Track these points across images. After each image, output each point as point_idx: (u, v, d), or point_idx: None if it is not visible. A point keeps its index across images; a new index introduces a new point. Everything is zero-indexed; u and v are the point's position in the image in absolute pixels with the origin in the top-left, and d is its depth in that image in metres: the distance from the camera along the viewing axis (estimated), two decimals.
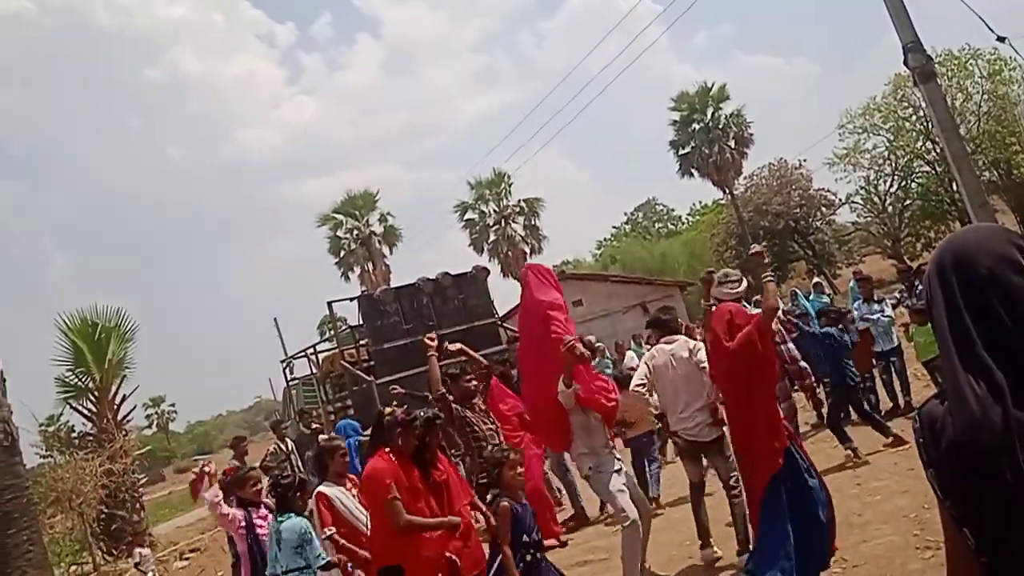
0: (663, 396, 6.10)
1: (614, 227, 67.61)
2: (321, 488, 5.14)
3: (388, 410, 5.04)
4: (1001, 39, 11.33)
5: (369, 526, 4.85)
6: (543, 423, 6.35)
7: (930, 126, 26.58)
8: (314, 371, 15.98)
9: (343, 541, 4.93)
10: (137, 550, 10.78)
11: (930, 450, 1.51)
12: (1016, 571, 1.43)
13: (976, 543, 1.46)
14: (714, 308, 5.51)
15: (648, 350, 7.88)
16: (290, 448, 11.19)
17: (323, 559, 4.80)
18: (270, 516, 5.34)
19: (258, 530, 5.55)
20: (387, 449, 4.70)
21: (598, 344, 17.90)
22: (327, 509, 5.01)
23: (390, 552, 4.57)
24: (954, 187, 28.32)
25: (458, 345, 7.34)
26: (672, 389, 5.91)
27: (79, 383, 17.14)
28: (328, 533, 4.93)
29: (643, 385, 6.02)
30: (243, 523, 5.63)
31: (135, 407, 20.08)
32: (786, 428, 5.25)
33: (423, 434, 4.73)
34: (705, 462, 6.13)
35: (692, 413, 5.80)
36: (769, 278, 5.41)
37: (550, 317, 6.05)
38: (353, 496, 5.15)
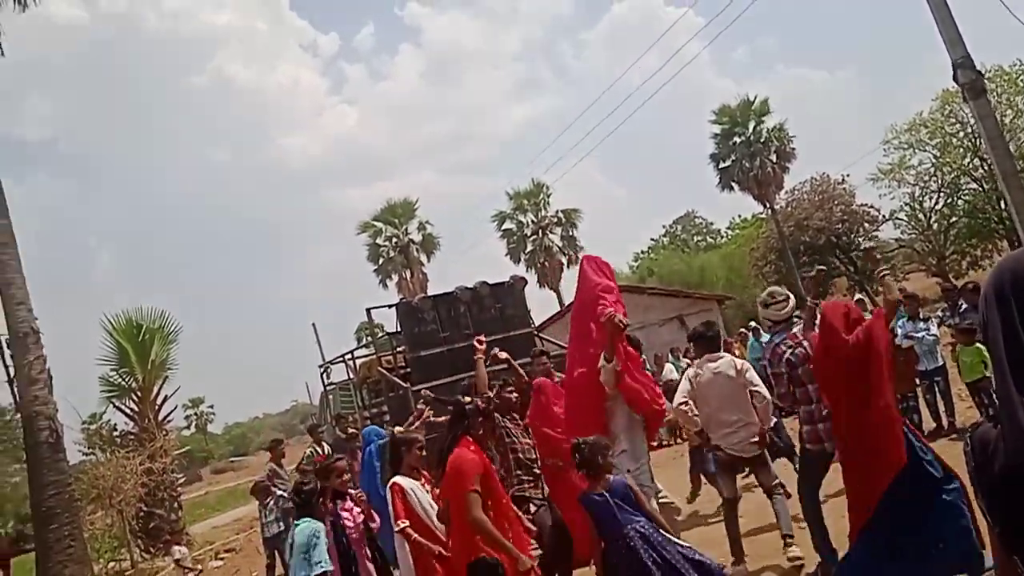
0: (706, 411, 6.06)
1: (652, 239, 67.29)
2: (397, 479, 5.01)
3: (468, 399, 5.03)
4: None
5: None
6: (583, 417, 6.09)
7: (978, 142, 26.11)
8: (351, 376, 16.10)
9: (415, 535, 4.87)
10: (175, 548, 10.96)
11: (982, 475, 1.49)
12: None
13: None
14: (822, 304, 5.25)
15: (687, 364, 7.81)
16: (327, 452, 11.29)
17: (322, 567, 4.82)
18: (355, 509, 5.43)
19: (344, 522, 5.52)
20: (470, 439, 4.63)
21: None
22: (401, 501, 4.90)
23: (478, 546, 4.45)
24: (1002, 205, 27.75)
25: (505, 355, 7.34)
26: (717, 405, 5.94)
27: (123, 383, 17.54)
28: (401, 526, 4.87)
29: (686, 403, 6.00)
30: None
31: (175, 408, 20.50)
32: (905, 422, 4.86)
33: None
34: (740, 482, 6.13)
35: (736, 429, 5.85)
36: (885, 271, 5.40)
37: (599, 297, 6.04)
38: (427, 491, 5.08)
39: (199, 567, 11.56)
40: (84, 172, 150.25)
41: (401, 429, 5.18)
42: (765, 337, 9.66)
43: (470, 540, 4.41)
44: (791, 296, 5.86)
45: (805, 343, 5.45)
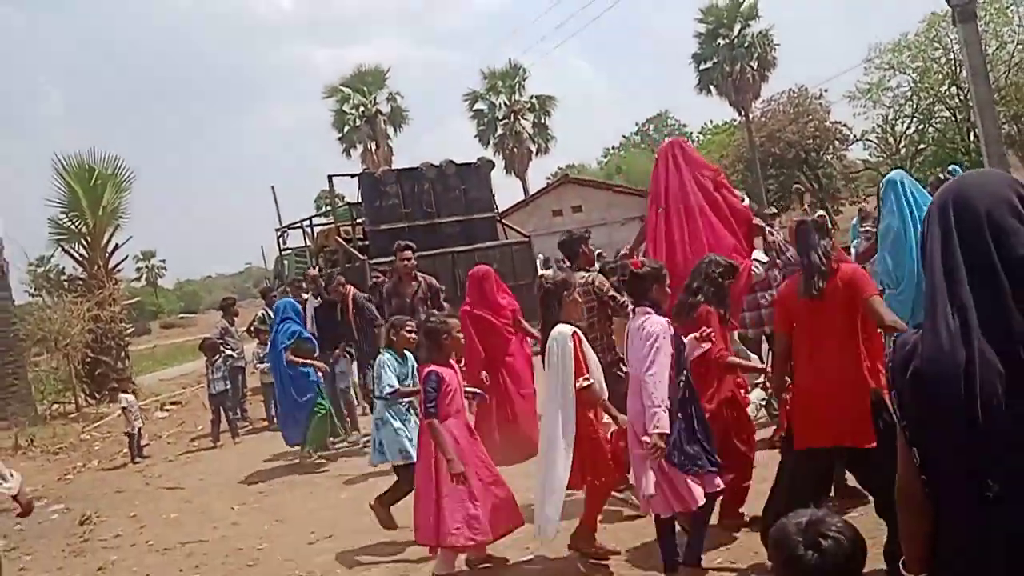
0: None
1: (623, 136, 66.86)
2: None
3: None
4: None
5: None
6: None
7: (959, 70, 26.00)
8: (308, 243, 15.96)
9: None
10: (123, 396, 10.98)
11: (896, 373, 1.65)
12: (948, 489, 1.58)
13: (920, 462, 1.62)
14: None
15: None
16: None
17: (389, 388, 5.42)
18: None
19: None
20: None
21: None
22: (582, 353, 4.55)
23: None
24: (971, 136, 27.94)
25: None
26: None
27: (72, 227, 17.10)
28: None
29: None
30: None
31: (126, 257, 20.13)
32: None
33: None
34: None
35: None
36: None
37: (721, 184, 5.81)
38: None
39: (143, 416, 11.66)
40: (32, 4, 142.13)
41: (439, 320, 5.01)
42: None
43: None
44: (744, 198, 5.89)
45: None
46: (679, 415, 4.11)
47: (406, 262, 8.01)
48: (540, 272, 5.59)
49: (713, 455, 4.19)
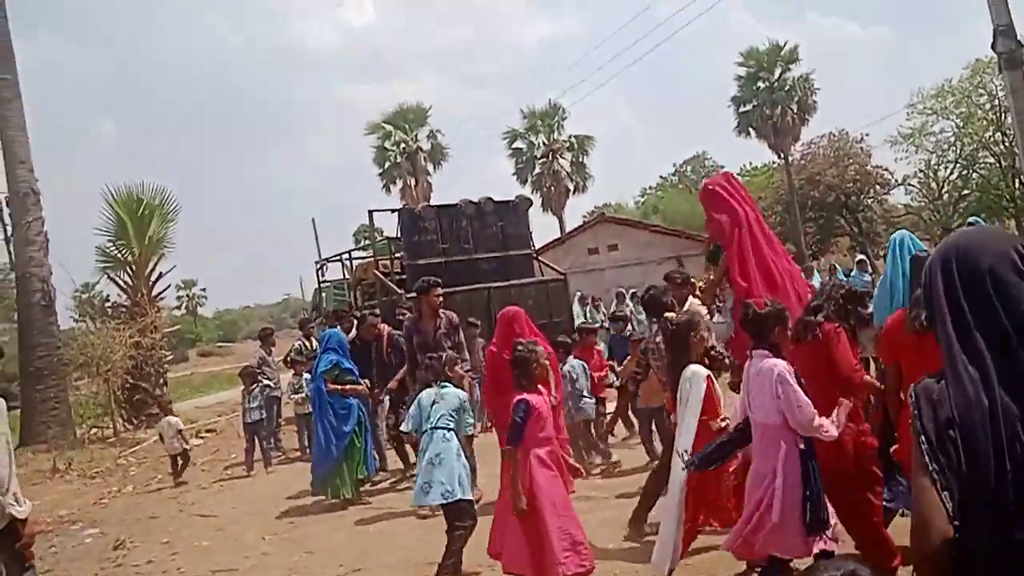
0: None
1: (661, 177, 66.83)
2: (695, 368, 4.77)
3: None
4: None
5: None
6: None
7: (1003, 116, 25.69)
8: (346, 276, 16.15)
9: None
10: (168, 419, 11.13)
11: (925, 421, 1.68)
12: (979, 539, 1.59)
13: (951, 509, 1.62)
14: None
15: None
16: (315, 347, 11.40)
17: (470, 429, 5.73)
18: None
19: None
20: None
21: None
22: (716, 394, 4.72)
23: None
24: (1016, 183, 27.52)
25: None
26: None
27: (119, 255, 17.53)
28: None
29: None
30: None
31: (169, 286, 20.53)
32: None
33: None
34: None
35: None
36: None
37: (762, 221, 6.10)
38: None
39: (190, 442, 11.83)
40: (95, 38, 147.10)
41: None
42: None
43: None
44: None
45: None
46: (806, 475, 3.94)
47: (438, 298, 7.99)
48: (665, 316, 5.65)
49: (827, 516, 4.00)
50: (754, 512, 4.01)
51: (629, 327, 10.73)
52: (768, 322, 4.13)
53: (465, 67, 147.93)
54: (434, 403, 5.44)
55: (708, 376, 4.58)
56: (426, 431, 5.39)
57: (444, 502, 5.19)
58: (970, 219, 8.49)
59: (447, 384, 5.58)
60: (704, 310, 6.22)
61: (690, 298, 6.42)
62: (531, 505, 4.52)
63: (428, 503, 5.42)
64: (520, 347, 4.94)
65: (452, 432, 5.38)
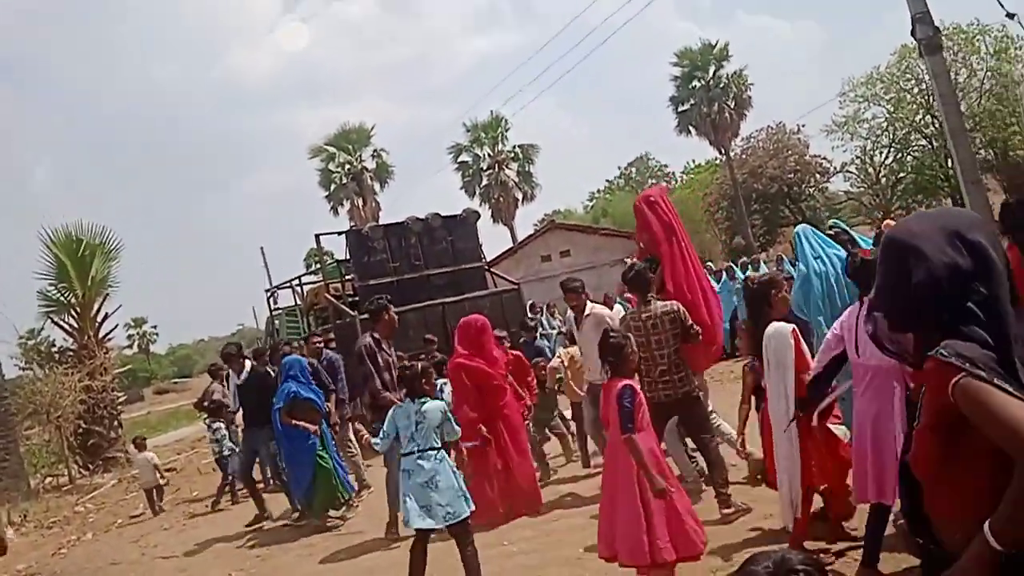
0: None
1: (607, 180, 67.48)
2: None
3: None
4: (1011, 16, 11.25)
5: None
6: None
7: (931, 99, 26.45)
8: (298, 302, 15.99)
9: None
10: (143, 454, 11.04)
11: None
12: None
13: None
14: None
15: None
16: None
17: (456, 436, 5.45)
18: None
19: None
20: None
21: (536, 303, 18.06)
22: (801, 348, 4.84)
23: None
24: (949, 163, 28.32)
25: None
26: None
27: (61, 298, 17.13)
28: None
29: None
30: None
31: (117, 326, 20.17)
32: None
33: None
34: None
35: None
36: None
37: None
38: None
39: (165, 476, 11.84)
40: (20, 80, 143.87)
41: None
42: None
43: None
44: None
45: None
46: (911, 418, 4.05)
47: (395, 316, 7.84)
48: (747, 275, 6.43)
49: None
50: (879, 453, 4.03)
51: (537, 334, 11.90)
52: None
53: (405, 85, 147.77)
54: (418, 423, 5.18)
55: (793, 330, 4.63)
56: (411, 452, 5.16)
57: (447, 524, 5.08)
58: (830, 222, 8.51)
59: (425, 399, 5.30)
60: (607, 312, 7.08)
61: (588, 303, 7.08)
62: (638, 493, 4.40)
63: (430, 526, 5.11)
64: (614, 335, 4.80)
65: (443, 451, 5.22)
